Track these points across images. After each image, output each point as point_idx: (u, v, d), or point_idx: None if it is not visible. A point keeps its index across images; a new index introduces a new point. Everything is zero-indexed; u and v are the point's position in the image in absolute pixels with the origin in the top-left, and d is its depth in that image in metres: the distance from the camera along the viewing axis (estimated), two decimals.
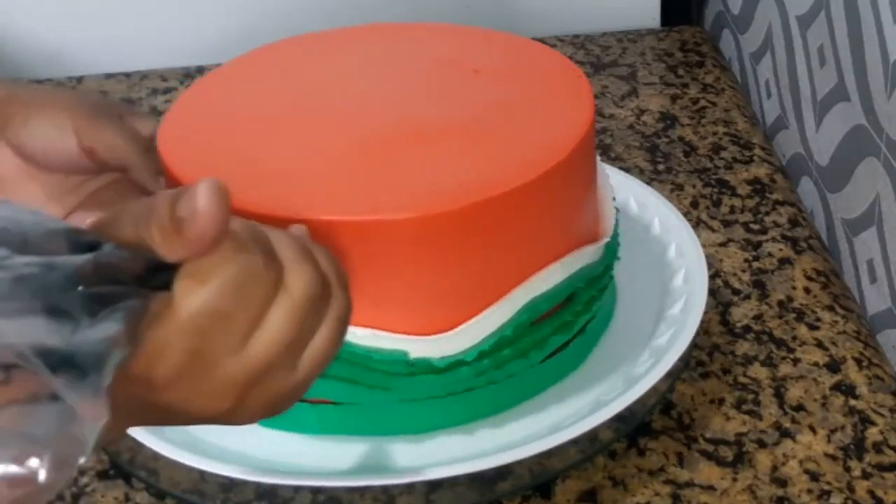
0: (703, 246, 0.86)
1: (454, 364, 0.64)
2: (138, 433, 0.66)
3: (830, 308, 0.80)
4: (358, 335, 0.63)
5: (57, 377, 0.38)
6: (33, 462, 0.39)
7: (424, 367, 0.64)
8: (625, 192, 0.82)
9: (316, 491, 0.65)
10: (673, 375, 0.72)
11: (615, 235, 0.73)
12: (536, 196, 0.63)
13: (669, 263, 0.78)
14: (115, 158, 0.63)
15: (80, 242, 0.41)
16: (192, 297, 0.43)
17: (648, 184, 0.93)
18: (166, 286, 0.43)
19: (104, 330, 0.39)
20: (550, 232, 0.66)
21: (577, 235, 0.68)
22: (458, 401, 0.67)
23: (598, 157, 0.74)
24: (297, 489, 0.65)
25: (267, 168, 0.64)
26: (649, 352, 0.71)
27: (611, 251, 0.72)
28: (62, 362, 0.38)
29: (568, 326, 0.69)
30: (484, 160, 0.64)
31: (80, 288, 0.39)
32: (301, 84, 0.72)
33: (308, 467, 0.66)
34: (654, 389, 0.69)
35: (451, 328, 0.64)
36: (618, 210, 0.74)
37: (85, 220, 0.74)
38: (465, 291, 0.64)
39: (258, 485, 0.65)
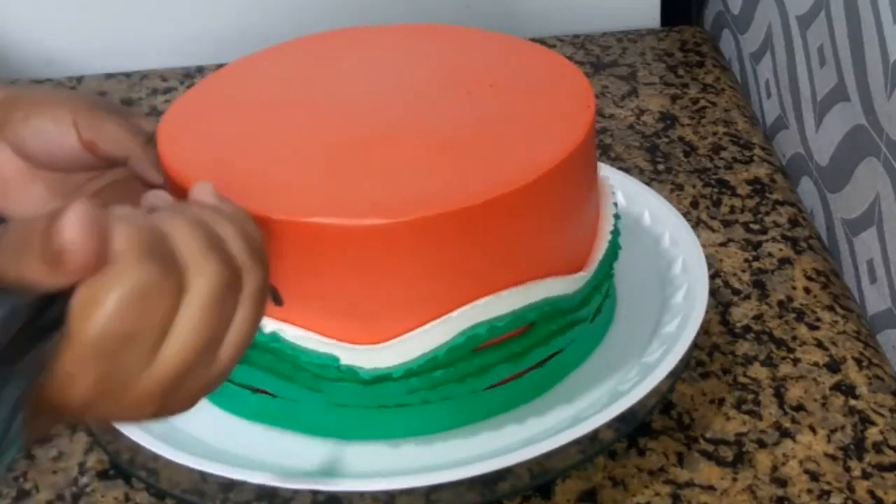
0: (703, 246, 0.86)
1: (380, 377, 0.64)
2: (136, 434, 0.66)
3: (830, 308, 0.80)
4: (292, 334, 0.63)
5: None
6: None
7: (351, 376, 0.64)
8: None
9: (314, 491, 0.65)
10: (674, 375, 0.72)
11: (601, 270, 0.70)
12: (487, 219, 0.62)
13: (664, 253, 0.79)
14: (116, 150, 0.63)
15: None
16: (88, 324, 0.42)
17: (648, 184, 0.93)
18: (61, 318, 0.42)
19: None
20: (505, 256, 0.64)
21: (542, 263, 0.65)
22: (386, 413, 0.66)
23: (610, 192, 0.73)
24: (297, 490, 0.65)
25: (258, 170, 0.64)
26: (658, 341, 0.72)
27: (590, 286, 0.69)
28: None
29: (517, 358, 0.66)
30: (459, 170, 0.63)
31: None
32: (298, 87, 0.72)
33: (292, 467, 0.66)
34: (654, 388, 0.69)
35: (384, 341, 0.63)
36: (616, 244, 0.73)
37: None
38: (403, 306, 0.63)
39: (259, 485, 0.65)
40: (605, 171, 0.76)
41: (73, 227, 0.41)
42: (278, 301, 0.57)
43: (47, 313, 0.41)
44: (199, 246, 0.45)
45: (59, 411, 0.44)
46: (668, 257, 0.78)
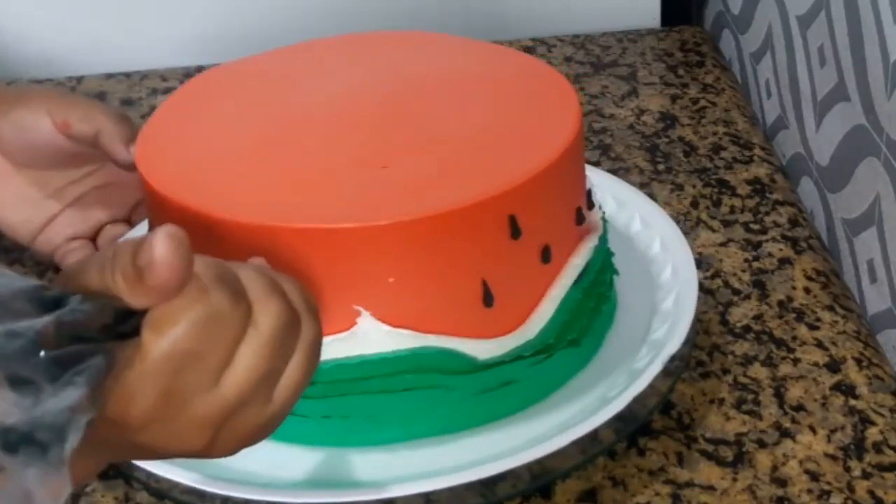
0: (703, 246, 0.86)
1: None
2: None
3: (830, 308, 0.80)
4: None
5: (15, 457, 0.38)
6: None
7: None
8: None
9: None
10: (673, 375, 0.72)
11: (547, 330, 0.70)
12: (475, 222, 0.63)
13: (655, 259, 0.79)
14: (87, 128, 0.64)
15: (46, 299, 0.41)
16: (161, 340, 0.44)
17: (648, 184, 0.93)
18: (136, 331, 0.44)
19: (66, 398, 0.39)
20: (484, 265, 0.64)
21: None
22: (382, 421, 0.67)
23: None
24: None
25: (244, 176, 0.64)
26: (647, 348, 0.72)
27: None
28: (21, 440, 0.38)
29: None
30: (441, 176, 0.64)
31: (42, 353, 0.39)
32: (284, 94, 0.72)
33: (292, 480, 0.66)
34: (654, 388, 0.69)
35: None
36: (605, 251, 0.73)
37: (70, 222, 0.75)
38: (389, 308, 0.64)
39: None
40: (593, 176, 0.76)
41: (164, 245, 0.43)
42: None
43: (124, 325, 0.43)
44: (264, 287, 0.48)
45: (119, 431, 0.45)
46: (659, 262, 0.78)
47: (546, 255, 0.66)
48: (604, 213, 0.75)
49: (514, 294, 0.66)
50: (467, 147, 0.66)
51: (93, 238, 0.77)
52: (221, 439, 0.48)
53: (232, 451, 0.50)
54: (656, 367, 0.68)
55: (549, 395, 0.70)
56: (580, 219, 0.69)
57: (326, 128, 0.68)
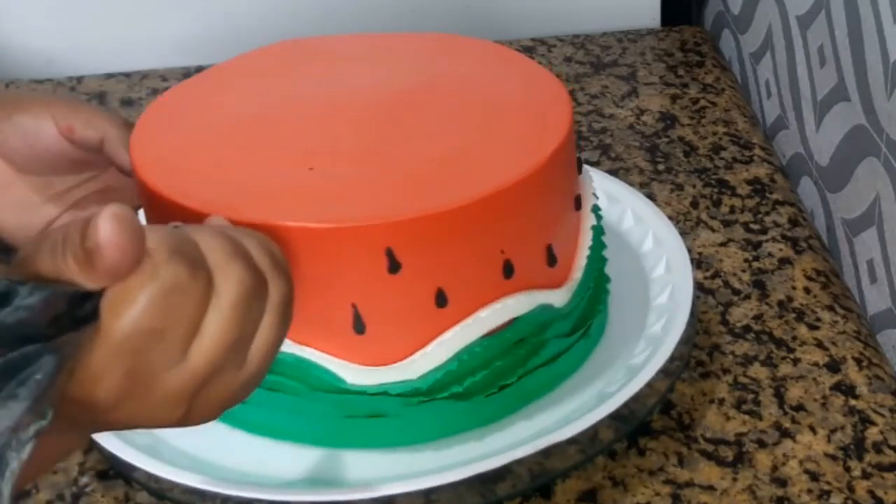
0: (703, 246, 0.86)
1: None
2: (130, 454, 0.67)
3: (830, 308, 0.80)
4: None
5: None
6: None
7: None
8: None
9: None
10: (673, 375, 0.72)
11: (587, 277, 0.70)
12: (467, 224, 0.61)
13: (647, 255, 0.79)
14: (91, 133, 0.64)
15: None
16: (119, 320, 0.43)
17: (648, 184, 0.93)
18: (96, 312, 0.43)
19: (6, 416, 0.37)
20: (484, 267, 0.63)
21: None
22: (381, 424, 0.67)
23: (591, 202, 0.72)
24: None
25: (234, 175, 0.64)
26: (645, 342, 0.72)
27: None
28: None
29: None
30: (434, 177, 0.63)
31: None
32: (276, 92, 0.72)
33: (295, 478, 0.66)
34: (653, 388, 0.69)
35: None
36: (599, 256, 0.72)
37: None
38: (394, 321, 0.63)
39: None
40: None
41: (109, 226, 0.42)
42: None
43: (81, 309, 0.42)
44: (224, 252, 0.47)
45: (89, 412, 0.45)
46: (652, 258, 0.79)
47: (441, 299, 0.62)
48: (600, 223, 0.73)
49: (391, 328, 0.63)
50: (415, 163, 0.64)
51: None
52: (197, 408, 0.47)
53: (211, 418, 0.49)
54: (658, 362, 0.68)
55: (550, 392, 0.70)
56: (507, 271, 0.64)
57: (318, 127, 0.68)
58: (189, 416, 0.47)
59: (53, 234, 0.44)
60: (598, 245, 0.71)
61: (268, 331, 0.48)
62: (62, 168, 0.67)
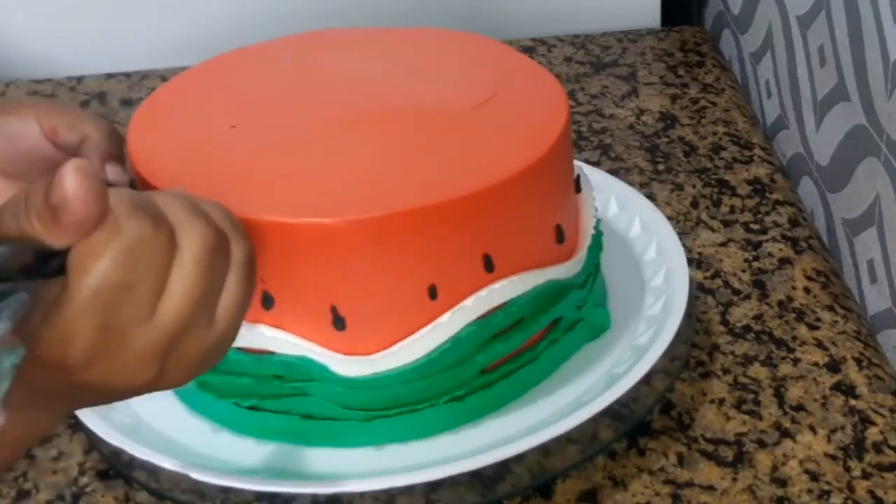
0: (703, 246, 0.86)
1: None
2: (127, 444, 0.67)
3: (830, 308, 0.80)
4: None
5: None
6: None
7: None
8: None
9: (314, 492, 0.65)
10: (673, 374, 0.72)
11: (590, 260, 0.71)
12: (462, 215, 0.62)
13: (637, 238, 0.80)
14: (73, 136, 0.64)
15: None
16: (87, 276, 0.44)
17: (648, 184, 0.93)
18: (61, 271, 0.43)
19: None
20: (480, 252, 0.64)
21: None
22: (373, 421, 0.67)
23: (591, 197, 0.72)
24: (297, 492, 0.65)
25: (231, 168, 0.64)
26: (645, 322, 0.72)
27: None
28: None
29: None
30: (430, 169, 0.63)
31: None
32: (273, 86, 0.72)
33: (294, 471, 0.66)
34: (653, 387, 0.69)
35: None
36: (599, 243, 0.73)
37: None
38: (385, 310, 0.64)
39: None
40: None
41: (73, 179, 0.43)
42: (269, 303, 0.58)
43: (47, 266, 0.43)
44: (184, 209, 0.47)
45: (62, 373, 0.45)
46: (641, 242, 0.79)
47: (432, 292, 0.63)
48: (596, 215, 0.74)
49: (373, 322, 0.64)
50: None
51: None
52: (170, 368, 0.48)
53: (184, 380, 0.49)
54: (662, 345, 0.69)
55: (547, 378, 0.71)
56: (489, 267, 0.64)
57: (309, 120, 0.68)
58: (162, 377, 0.48)
59: (14, 199, 0.44)
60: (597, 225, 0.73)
61: (233, 289, 0.49)
62: (44, 171, 0.67)
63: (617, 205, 0.82)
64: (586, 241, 0.71)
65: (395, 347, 0.63)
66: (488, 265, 0.64)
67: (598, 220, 0.73)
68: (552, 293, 0.68)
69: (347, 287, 0.62)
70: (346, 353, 0.63)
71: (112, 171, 0.62)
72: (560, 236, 0.68)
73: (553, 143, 0.65)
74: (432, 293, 0.63)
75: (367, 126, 0.67)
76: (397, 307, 0.63)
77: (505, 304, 0.65)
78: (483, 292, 0.64)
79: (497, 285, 0.64)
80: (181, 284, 0.46)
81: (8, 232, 0.43)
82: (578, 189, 0.72)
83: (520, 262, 0.65)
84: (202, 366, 0.49)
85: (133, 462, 0.68)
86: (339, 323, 0.62)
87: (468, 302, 0.64)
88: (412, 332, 0.63)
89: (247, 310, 0.50)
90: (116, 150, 0.64)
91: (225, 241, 0.49)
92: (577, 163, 0.74)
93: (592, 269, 0.72)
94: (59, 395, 0.47)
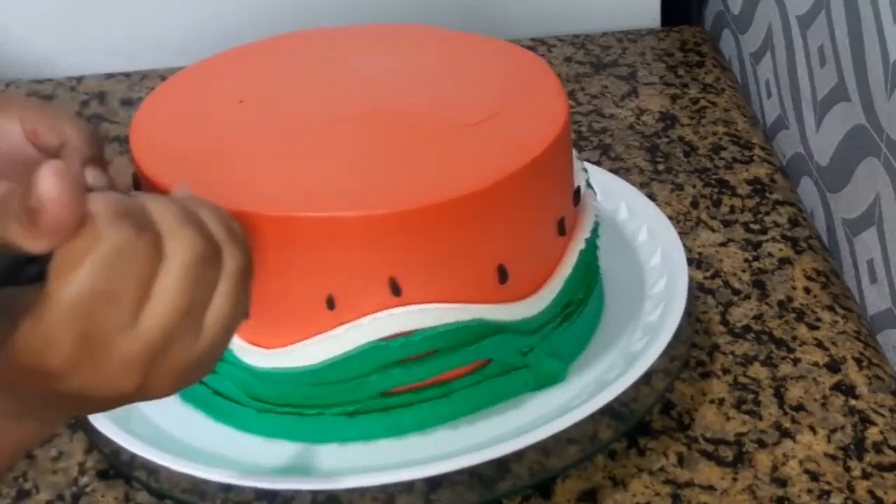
0: (703, 246, 0.86)
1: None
2: (129, 441, 0.67)
3: (830, 308, 0.80)
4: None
5: None
6: None
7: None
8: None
9: (314, 490, 0.65)
10: (672, 374, 0.72)
11: (559, 301, 0.69)
12: (443, 220, 0.62)
13: (642, 246, 0.79)
14: (53, 138, 0.63)
15: None
16: (66, 285, 0.43)
17: (648, 184, 0.93)
18: (41, 277, 0.43)
19: None
20: (439, 266, 0.63)
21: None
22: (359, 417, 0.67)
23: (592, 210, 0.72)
24: (297, 490, 0.65)
25: (233, 164, 0.64)
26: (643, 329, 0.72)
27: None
28: None
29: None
30: (420, 171, 0.63)
31: None
32: (274, 84, 0.72)
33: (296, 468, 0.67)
34: (653, 387, 0.69)
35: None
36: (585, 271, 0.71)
37: None
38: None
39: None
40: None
41: (50, 182, 0.42)
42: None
43: (25, 273, 0.43)
44: (174, 217, 0.46)
45: (43, 380, 0.44)
46: (647, 249, 0.79)
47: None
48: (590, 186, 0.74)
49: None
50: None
51: None
52: (155, 378, 0.47)
53: (170, 391, 0.48)
54: (656, 351, 0.69)
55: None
56: (395, 290, 0.63)
57: (312, 118, 0.68)
58: (147, 386, 0.47)
59: None
60: (579, 270, 0.70)
61: (223, 300, 0.47)
62: (25, 173, 0.66)
63: (627, 210, 0.82)
64: (555, 286, 0.68)
65: (289, 347, 0.64)
66: (395, 289, 0.62)
67: (598, 267, 0.73)
68: (478, 333, 0.65)
69: (257, 283, 0.62)
70: (250, 343, 0.64)
71: (92, 175, 0.60)
72: (503, 276, 0.65)
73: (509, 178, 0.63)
74: (330, 303, 0.63)
75: (362, 126, 0.67)
76: (299, 310, 0.63)
77: (410, 332, 0.64)
78: (382, 314, 0.63)
79: (399, 310, 0.63)
80: (166, 293, 0.45)
81: None
82: (577, 201, 0.70)
83: (436, 293, 0.63)
84: (190, 376, 0.48)
85: (133, 462, 0.68)
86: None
87: (364, 320, 0.63)
88: (309, 338, 0.64)
89: (239, 320, 0.49)
90: (98, 154, 0.63)
91: (216, 251, 0.47)
92: (593, 171, 0.74)
93: (560, 317, 0.69)
94: (46, 402, 0.46)
